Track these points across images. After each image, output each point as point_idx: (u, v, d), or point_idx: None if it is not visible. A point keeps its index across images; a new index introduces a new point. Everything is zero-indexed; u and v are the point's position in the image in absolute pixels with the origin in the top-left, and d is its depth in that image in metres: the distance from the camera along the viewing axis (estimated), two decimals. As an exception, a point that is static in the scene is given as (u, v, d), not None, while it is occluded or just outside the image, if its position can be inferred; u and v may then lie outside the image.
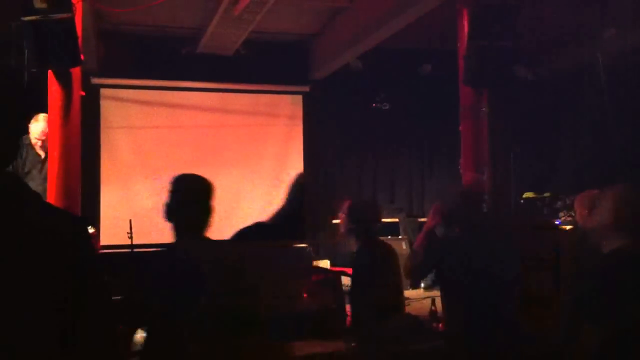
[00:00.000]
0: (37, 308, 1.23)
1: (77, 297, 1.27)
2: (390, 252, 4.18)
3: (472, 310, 3.46)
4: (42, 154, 5.44)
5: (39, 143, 5.40)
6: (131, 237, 7.60)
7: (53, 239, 1.27)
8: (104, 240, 7.55)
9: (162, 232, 8.75)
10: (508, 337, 3.45)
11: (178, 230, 2.64)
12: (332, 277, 5.30)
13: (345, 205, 4.13)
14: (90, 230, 5.93)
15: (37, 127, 5.38)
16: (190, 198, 2.63)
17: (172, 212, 2.64)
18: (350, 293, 4.10)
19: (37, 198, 1.34)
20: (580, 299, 2.32)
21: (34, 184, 5.24)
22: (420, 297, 6.67)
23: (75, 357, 1.28)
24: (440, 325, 4.18)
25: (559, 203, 7.08)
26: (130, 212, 8.01)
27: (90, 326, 1.30)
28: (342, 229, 4.16)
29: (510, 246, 3.89)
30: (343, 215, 4.13)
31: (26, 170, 5.45)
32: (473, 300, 3.44)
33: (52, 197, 4.96)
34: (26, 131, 5.33)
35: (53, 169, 5.04)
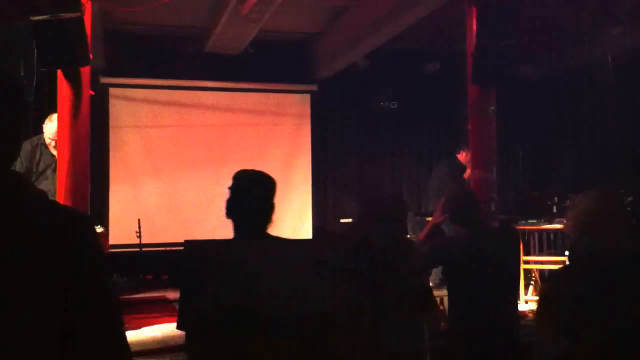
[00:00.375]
0: (37, 308, 1.22)
1: (77, 297, 1.26)
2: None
3: (473, 310, 3.46)
4: (56, 154, 5.46)
5: (53, 143, 5.40)
6: (140, 237, 7.65)
7: (53, 238, 1.26)
8: (113, 240, 7.58)
9: (171, 231, 8.80)
10: (508, 337, 3.44)
11: (237, 227, 2.58)
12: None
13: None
14: (99, 229, 5.95)
15: (51, 127, 5.38)
16: (249, 194, 2.58)
17: (231, 208, 2.58)
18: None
19: (41, 196, 1.34)
20: (581, 298, 2.32)
21: (48, 183, 5.27)
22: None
23: (75, 357, 1.27)
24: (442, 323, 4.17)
25: (568, 202, 7.05)
26: (139, 211, 8.05)
27: (91, 327, 1.29)
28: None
29: (512, 246, 3.88)
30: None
31: (40, 169, 5.47)
32: (474, 299, 3.44)
33: (61, 196, 4.98)
34: (25, 132, 5.31)
35: (62, 169, 5.06)
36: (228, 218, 2.57)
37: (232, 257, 2.48)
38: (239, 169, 2.66)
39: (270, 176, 2.65)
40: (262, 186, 2.62)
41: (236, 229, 2.59)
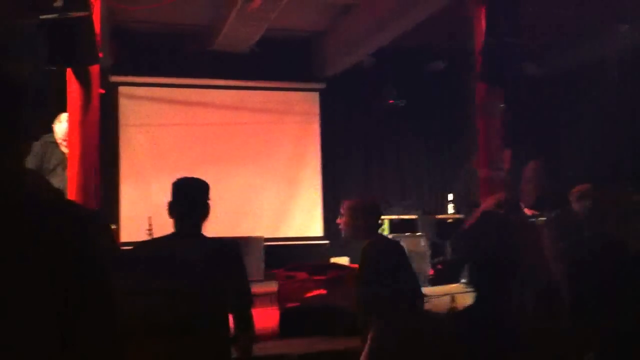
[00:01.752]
0: (37, 308, 1.22)
1: (78, 297, 1.25)
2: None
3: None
4: (67, 152, 5.49)
5: (64, 143, 5.43)
6: (151, 234, 7.67)
7: (53, 237, 1.25)
8: (124, 237, 7.62)
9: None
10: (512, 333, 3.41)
11: (175, 225, 2.95)
12: (348, 274, 5.32)
13: (346, 205, 3.92)
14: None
15: (61, 127, 5.41)
16: (178, 198, 2.95)
17: (170, 210, 2.97)
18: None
19: (58, 195, 1.33)
20: (578, 297, 2.32)
21: (58, 181, 5.29)
22: (438, 294, 6.58)
23: (75, 357, 1.26)
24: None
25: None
26: (150, 209, 8.07)
27: (91, 327, 1.28)
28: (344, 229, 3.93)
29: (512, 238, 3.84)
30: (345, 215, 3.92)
31: (51, 167, 5.51)
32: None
33: (72, 195, 5.00)
34: (31, 131, 5.32)
35: (73, 167, 5.08)
36: (170, 218, 2.96)
37: (155, 255, 2.84)
38: (179, 177, 3.03)
39: (203, 181, 3.02)
40: (195, 190, 3.00)
41: (175, 227, 2.95)
